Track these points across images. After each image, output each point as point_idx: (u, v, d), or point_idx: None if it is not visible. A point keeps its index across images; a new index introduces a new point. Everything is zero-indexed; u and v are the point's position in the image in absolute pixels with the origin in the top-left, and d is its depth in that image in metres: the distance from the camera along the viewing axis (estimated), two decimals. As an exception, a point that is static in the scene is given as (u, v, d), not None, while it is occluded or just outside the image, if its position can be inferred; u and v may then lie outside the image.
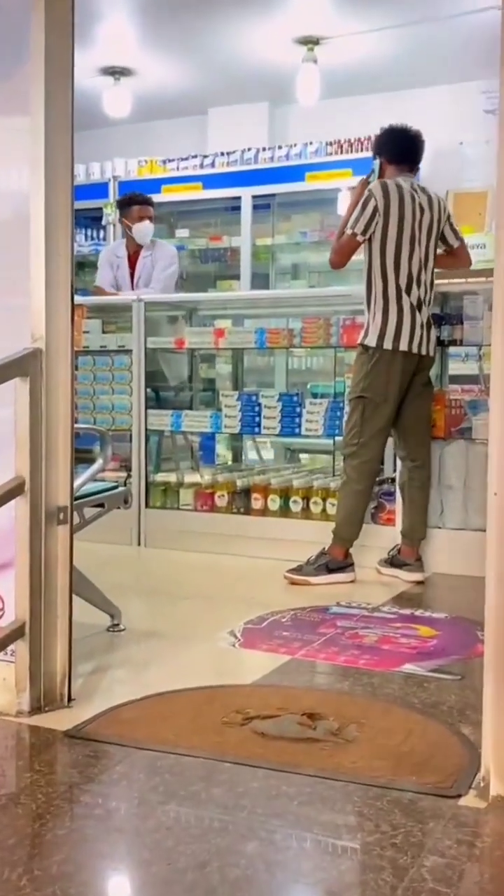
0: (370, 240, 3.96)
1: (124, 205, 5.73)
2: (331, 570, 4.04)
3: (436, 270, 4.09)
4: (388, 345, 3.94)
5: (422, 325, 3.98)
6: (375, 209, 3.93)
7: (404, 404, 4.06)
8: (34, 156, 2.41)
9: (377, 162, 4.15)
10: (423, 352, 4.00)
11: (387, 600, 3.74)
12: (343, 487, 4.11)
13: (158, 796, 1.97)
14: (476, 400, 4.20)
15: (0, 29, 2.49)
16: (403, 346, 3.94)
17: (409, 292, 3.96)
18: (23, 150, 2.43)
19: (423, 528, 4.15)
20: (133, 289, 5.57)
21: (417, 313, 3.97)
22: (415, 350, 3.97)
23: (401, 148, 4.13)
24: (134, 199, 5.69)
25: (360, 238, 3.96)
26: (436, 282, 4.11)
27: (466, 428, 4.20)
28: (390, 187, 3.96)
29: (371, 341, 3.97)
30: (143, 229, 5.60)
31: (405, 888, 1.59)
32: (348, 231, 3.97)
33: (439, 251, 4.12)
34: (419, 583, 4.03)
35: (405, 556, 4.12)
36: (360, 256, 4.09)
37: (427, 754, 2.17)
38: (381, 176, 4.10)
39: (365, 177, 4.12)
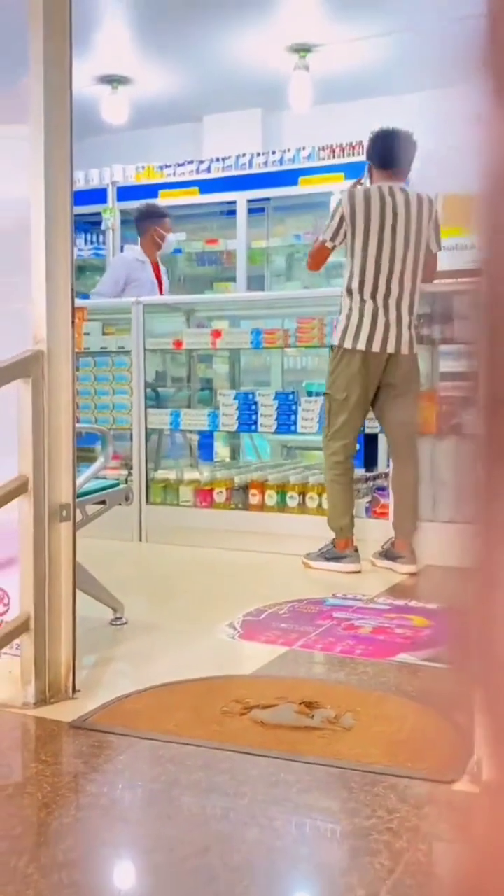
0: (346, 244, 4.01)
1: (160, 215, 5.78)
2: (328, 559, 4.08)
3: (419, 270, 4.03)
4: (347, 344, 4.01)
5: (386, 326, 3.98)
6: (342, 217, 4.00)
7: (384, 404, 4.10)
8: (34, 163, 2.41)
9: (368, 165, 4.18)
10: (391, 350, 4.01)
11: (381, 592, 3.74)
12: (325, 480, 4.20)
13: (161, 785, 1.97)
14: (467, 397, 4.19)
15: (0, 39, 2.49)
16: (361, 346, 3.98)
17: (374, 294, 3.99)
18: (23, 158, 2.43)
19: (411, 523, 4.13)
20: (162, 294, 5.66)
21: (383, 313, 3.98)
22: (375, 349, 3.98)
23: (383, 152, 4.13)
24: (166, 212, 5.83)
25: (328, 245, 4.07)
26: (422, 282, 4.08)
27: (458, 424, 4.19)
28: (357, 195, 4.01)
29: (335, 340, 4.09)
30: (172, 240, 5.78)
31: (401, 871, 1.59)
32: (320, 238, 4.10)
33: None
34: (413, 574, 4.04)
35: (398, 549, 4.12)
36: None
37: (421, 741, 2.18)
38: (371, 180, 4.13)
39: (356, 180, 4.17)
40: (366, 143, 4.30)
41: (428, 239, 4.05)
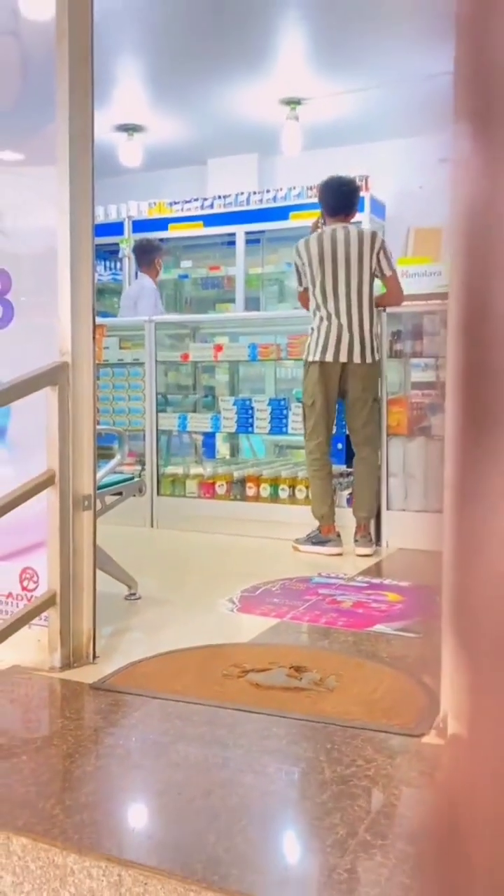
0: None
1: (161, 248, 5.85)
2: (314, 543, 4.08)
3: (364, 291, 4.04)
4: (310, 357, 4.09)
5: (338, 339, 4.02)
6: (296, 265, 4.16)
7: (347, 409, 4.12)
8: (61, 199, 2.41)
9: (321, 211, 4.23)
10: (343, 359, 4.03)
11: (360, 571, 3.74)
12: (307, 475, 4.24)
13: (169, 738, 1.97)
14: (434, 403, 4.21)
15: (30, 91, 2.49)
16: (317, 357, 4.04)
17: (328, 315, 4.04)
18: (51, 194, 2.43)
19: (364, 511, 4.12)
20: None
21: (335, 329, 4.02)
22: (328, 359, 4.02)
23: (329, 201, 4.17)
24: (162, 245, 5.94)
25: (300, 289, 4.21)
26: (381, 301, 4.16)
27: (426, 426, 4.21)
28: (301, 246, 4.11)
29: (304, 356, 4.16)
30: None
31: (377, 812, 1.59)
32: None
33: (378, 281, 4.12)
34: (367, 556, 4.01)
35: (357, 533, 4.13)
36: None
37: (395, 700, 2.18)
38: (325, 223, 4.20)
39: (315, 221, 4.24)
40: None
41: (378, 265, 4.04)
